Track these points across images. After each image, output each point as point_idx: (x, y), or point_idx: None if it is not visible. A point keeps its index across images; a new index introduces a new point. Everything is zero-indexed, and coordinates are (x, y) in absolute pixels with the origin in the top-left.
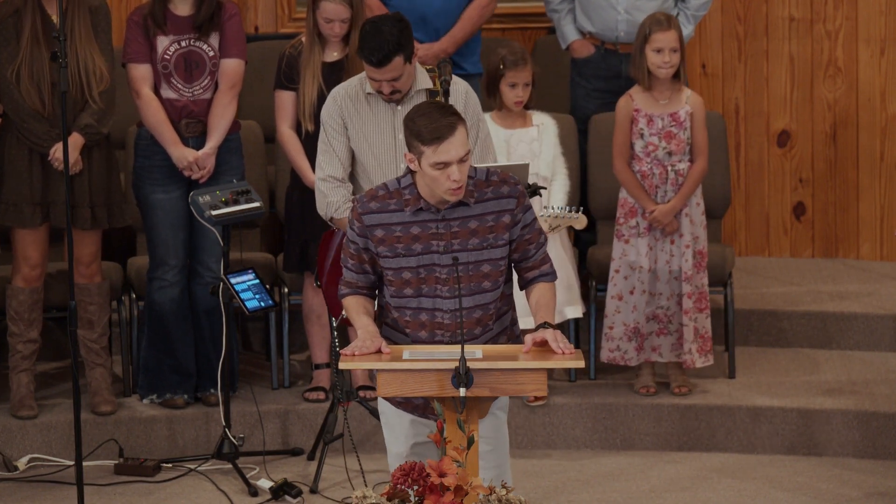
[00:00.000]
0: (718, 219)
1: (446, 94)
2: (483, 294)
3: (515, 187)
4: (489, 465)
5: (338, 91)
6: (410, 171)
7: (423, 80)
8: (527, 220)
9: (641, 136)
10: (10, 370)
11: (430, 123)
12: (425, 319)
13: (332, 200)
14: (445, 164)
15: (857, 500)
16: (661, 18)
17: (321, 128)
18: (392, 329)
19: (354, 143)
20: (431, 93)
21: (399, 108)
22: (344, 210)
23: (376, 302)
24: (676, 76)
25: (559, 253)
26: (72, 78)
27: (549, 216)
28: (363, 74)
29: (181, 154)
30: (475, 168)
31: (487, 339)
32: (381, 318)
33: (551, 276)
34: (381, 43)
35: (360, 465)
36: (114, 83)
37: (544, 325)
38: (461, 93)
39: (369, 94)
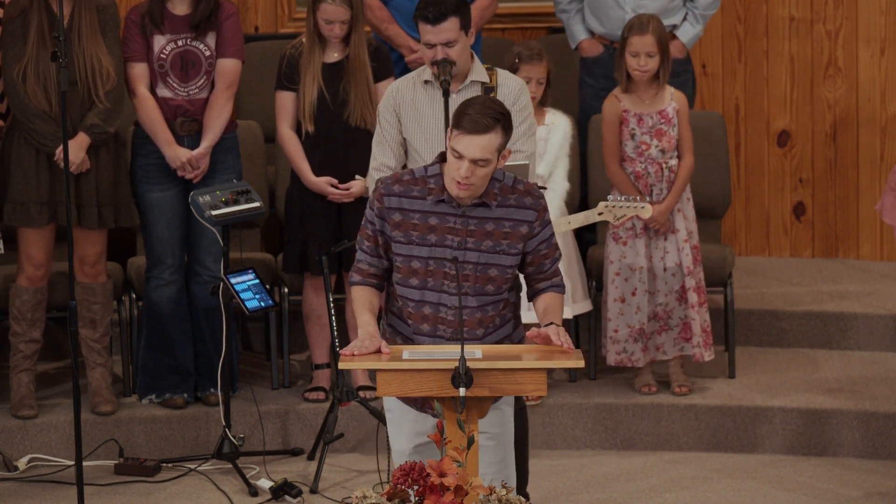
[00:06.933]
0: (718, 219)
1: (446, 93)
2: (485, 296)
3: (538, 200)
4: (493, 460)
5: (394, 83)
6: (439, 162)
7: (480, 73)
8: (545, 235)
9: (633, 136)
10: (10, 370)
11: (473, 114)
12: (429, 313)
13: None
14: (460, 155)
15: (857, 500)
16: (641, 21)
17: (377, 120)
18: (396, 318)
19: (408, 132)
20: (486, 88)
21: (454, 96)
22: None
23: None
24: (657, 77)
25: (569, 252)
26: (78, 77)
27: (615, 206)
28: (423, 67)
29: (175, 154)
30: (504, 172)
31: (490, 341)
32: (388, 306)
33: (561, 287)
34: (440, 2)
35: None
36: (121, 83)
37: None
38: (514, 89)
39: (426, 81)
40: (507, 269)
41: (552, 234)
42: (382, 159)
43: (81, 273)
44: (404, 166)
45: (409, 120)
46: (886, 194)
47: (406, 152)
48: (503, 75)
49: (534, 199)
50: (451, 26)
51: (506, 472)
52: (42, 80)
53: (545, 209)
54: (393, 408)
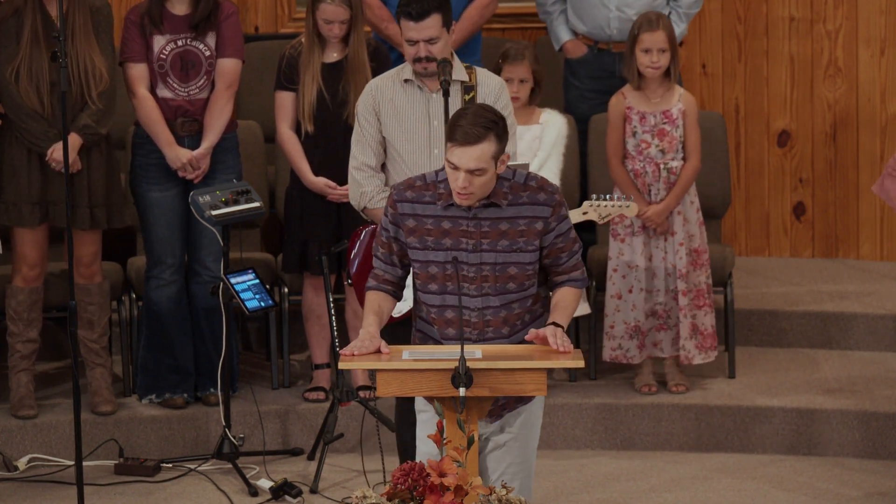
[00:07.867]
0: (718, 219)
1: (446, 94)
2: (507, 294)
3: (552, 195)
4: (515, 460)
5: (373, 81)
6: None
7: (459, 72)
8: (561, 229)
9: (634, 134)
10: (9, 370)
11: (465, 125)
12: (451, 316)
13: (367, 190)
14: (455, 167)
15: (857, 500)
16: (650, 18)
17: (356, 119)
18: (425, 323)
19: (388, 130)
20: (466, 87)
21: (433, 95)
22: (378, 200)
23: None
24: (668, 74)
25: None
26: (71, 78)
27: (599, 205)
28: (402, 65)
29: (175, 154)
30: (514, 170)
31: (518, 339)
32: (416, 312)
33: (580, 282)
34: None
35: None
36: (114, 84)
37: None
38: (494, 88)
39: (406, 80)
40: (526, 265)
41: (570, 228)
42: (363, 158)
43: (77, 274)
44: (383, 165)
45: (388, 119)
46: (885, 178)
47: (385, 151)
48: (482, 74)
49: (547, 195)
50: (433, 23)
51: (524, 473)
52: (35, 80)
53: (560, 204)
54: (426, 409)
